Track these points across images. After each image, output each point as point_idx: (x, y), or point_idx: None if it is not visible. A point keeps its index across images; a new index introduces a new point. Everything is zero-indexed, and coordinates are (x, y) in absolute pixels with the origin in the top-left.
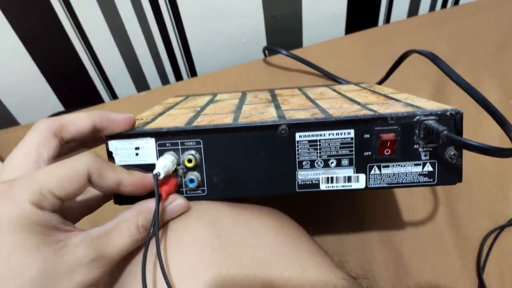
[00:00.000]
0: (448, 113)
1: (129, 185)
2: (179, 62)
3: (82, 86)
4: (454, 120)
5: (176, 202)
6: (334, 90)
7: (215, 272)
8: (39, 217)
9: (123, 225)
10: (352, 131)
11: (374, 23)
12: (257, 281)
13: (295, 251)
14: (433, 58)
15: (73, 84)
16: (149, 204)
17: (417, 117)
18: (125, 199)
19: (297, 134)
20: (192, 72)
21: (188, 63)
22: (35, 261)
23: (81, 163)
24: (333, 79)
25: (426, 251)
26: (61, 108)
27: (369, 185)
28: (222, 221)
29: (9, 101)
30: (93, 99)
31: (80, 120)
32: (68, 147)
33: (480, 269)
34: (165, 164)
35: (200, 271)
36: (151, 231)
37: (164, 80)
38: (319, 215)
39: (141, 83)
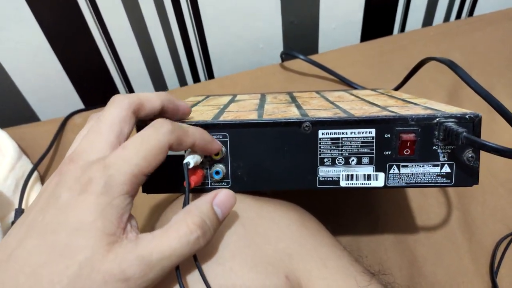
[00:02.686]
0: (467, 116)
1: (200, 149)
2: (198, 64)
3: (102, 85)
4: (472, 123)
5: (221, 192)
6: (352, 94)
7: (240, 259)
8: (122, 202)
9: (172, 227)
10: (373, 131)
11: (389, 32)
12: (281, 270)
13: (316, 243)
14: (452, 66)
15: (94, 83)
16: (197, 203)
17: (437, 119)
18: (153, 187)
19: (320, 132)
20: (210, 75)
21: (206, 65)
22: (88, 246)
23: (163, 135)
24: (349, 84)
25: (440, 254)
26: (81, 106)
27: (388, 183)
28: (246, 212)
29: (31, 97)
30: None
31: (154, 100)
32: None
33: (493, 273)
34: (194, 154)
35: (226, 256)
36: None
37: (182, 82)
38: (334, 217)
39: (159, 84)
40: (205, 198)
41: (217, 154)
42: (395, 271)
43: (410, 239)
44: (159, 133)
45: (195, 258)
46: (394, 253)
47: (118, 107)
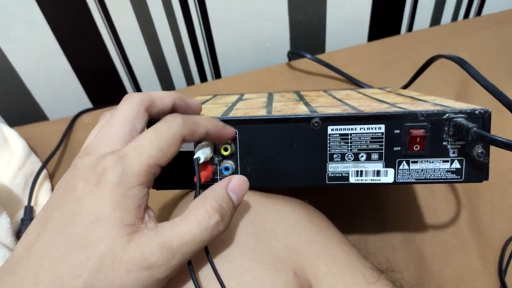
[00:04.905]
0: (477, 112)
1: (214, 136)
2: (205, 64)
3: (111, 84)
4: (482, 119)
5: (235, 178)
6: (359, 93)
7: (249, 256)
8: (140, 193)
9: (191, 213)
10: (383, 126)
11: (397, 31)
12: (289, 266)
13: (325, 240)
14: (461, 63)
15: (103, 82)
16: (213, 189)
17: (447, 115)
18: (163, 184)
19: (329, 128)
20: (217, 74)
21: (213, 65)
22: (108, 237)
23: (176, 127)
24: (356, 83)
25: (448, 253)
26: (89, 105)
27: (397, 179)
28: (255, 209)
29: (40, 96)
30: (121, 97)
31: (165, 98)
32: None
33: (502, 272)
34: (204, 150)
35: (235, 253)
36: None
37: (190, 81)
38: (343, 215)
39: (167, 83)
40: (220, 184)
41: (226, 150)
42: (403, 270)
43: (418, 238)
44: (171, 126)
45: (207, 252)
46: (402, 252)
47: (131, 104)
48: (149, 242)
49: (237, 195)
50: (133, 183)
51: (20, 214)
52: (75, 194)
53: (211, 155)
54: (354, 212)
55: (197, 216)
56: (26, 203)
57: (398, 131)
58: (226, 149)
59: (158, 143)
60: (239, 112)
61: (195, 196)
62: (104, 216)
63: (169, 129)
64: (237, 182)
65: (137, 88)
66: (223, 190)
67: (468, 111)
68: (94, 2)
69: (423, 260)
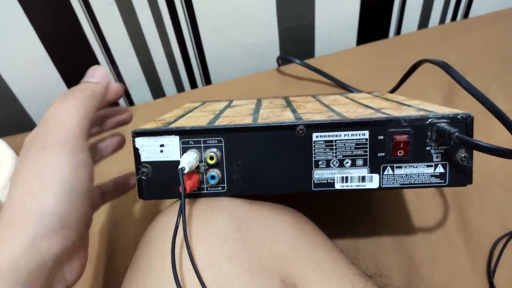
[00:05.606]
0: (459, 116)
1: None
2: (195, 70)
3: None
4: (465, 123)
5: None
6: (347, 97)
7: (236, 263)
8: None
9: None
10: (367, 132)
11: (385, 35)
12: (277, 273)
13: (312, 246)
14: (445, 67)
15: None
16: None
17: (430, 120)
18: (149, 193)
19: (314, 135)
20: (207, 80)
21: (203, 71)
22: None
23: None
24: (345, 88)
25: (437, 255)
26: None
27: (382, 185)
28: (242, 216)
29: (30, 106)
30: (111, 105)
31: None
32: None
33: (490, 273)
34: (189, 160)
35: (222, 260)
36: (179, 221)
37: (180, 88)
38: (332, 219)
39: (157, 90)
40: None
41: (212, 159)
42: (393, 273)
43: (408, 241)
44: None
45: (192, 258)
46: (392, 255)
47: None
48: None
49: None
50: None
51: None
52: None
53: (197, 164)
54: (345, 216)
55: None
56: None
57: (382, 137)
58: (212, 158)
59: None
60: (226, 120)
61: (180, 208)
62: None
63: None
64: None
65: (127, 96)
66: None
67: (451, 116)
68: (82, 10)
69: (413, 263)
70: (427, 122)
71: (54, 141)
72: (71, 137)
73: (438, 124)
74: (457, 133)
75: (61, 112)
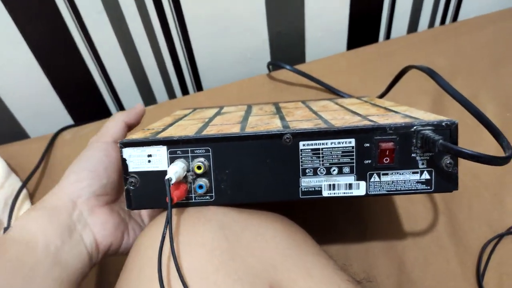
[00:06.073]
0: (443, 124)
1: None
2: (186, 77)
3: (91, 100)
4: (449, 130)
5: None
6: (337, 103)
7: (224, 272)
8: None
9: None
10: (353, 140)
11: (375, 39)
12: (266, 281)
13: (301, 253)
14: (431, 73)
15: (83, 98)
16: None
17: (415, 127)
18: (137, 203)
19: (301, 143)
20: (198, 87)
21: (194, 77)
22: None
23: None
24: (335, 93)
25: (428, 259)
26: (70, 121)
27: (369, 192)
28: (230, 225)
29: (20, 114)
30: (102, 112)
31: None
32: None
33: (480, 276)
34: (176, 170)
35: (210, 270)
36: (165, 231)
37: (171, 94)
38: (322, 226)
39: (148, 97)
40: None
41: (199, 168)
42: (384, 278)
43: (399, 245)
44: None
45: (178, 269)
46: (383, 260)
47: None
48: None
49: None
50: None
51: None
52: None
53: (184, 174)
54: (335, 222)
55: None
56: (5, 224)
57: (368, 145)
58: (199, 167)
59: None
60: (214, 128)
61: (166, 218)
62: None
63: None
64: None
65: (118, 103)
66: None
67: (435, 123)
68: (71, 18)
69: (404, 267)
70: (412, 129)
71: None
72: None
73: (423, 132)
74: (441, 141)
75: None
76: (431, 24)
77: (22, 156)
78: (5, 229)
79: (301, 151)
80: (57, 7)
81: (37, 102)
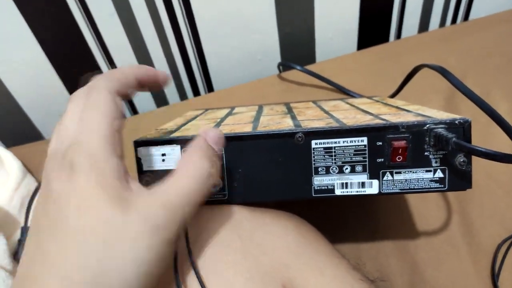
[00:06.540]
0: (457, 122)
1: (146, 82)
2: (197, 78)
3: None
4: (463, 128)
5: (210, 131)
6: (348, 103)
7: (237, 270)
8: (113, 163)
9: (180, 169)
10: (365, 139)
11: (385, 39)
12: (278, 280)
13: (313, 252)
14: (443, 72)
15: None
16: (195, 143)
17: (427, 125)
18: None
19: (313, 142)
20: (209, 88)
21: (205, 79)
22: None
23: (103, 86)
24: (346, 93)
25: (441, 258)
26: None
27: (382, 190)
28: (243, 224)
29: (35, 116)
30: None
31: (129, 75)
32: None
33: (494, 276)
34: None
35: (223, 268)
36: None
37: (182, 96)
38: (334, 224)
39: (160, 99)
40: (198, 140)
41: None
42: (397, 278)
43: (411, 245)
44: (97, 87)
45: (194, 267)
46: (395, 259)
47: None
48: (148, 207)
49: (217, 144)
50: (102, 158)
51: (17, 235)
52: (54, 196)
53: None
54: (347, 221)
55: (188, 170)
56: (22, 224)
57: (380, 143)
58: None
59: (97, 112)
60: (226, 128)
61: None
62: (90, 203)
63: (99, 93)
64: (212, 134)
65: (131, 105)
66: (204, 143)
67: (448, 121)
68: (83, 20)
69: (416, 267)
70: (425, 127)
71: None
72: None
73: (436, 130)
74: (454, 139)
75: None
76: (442, 23)
77: (37, 157)
78: (22, 229)
79: (313, 150)
80: (69, 8)
81: (51, 103)
